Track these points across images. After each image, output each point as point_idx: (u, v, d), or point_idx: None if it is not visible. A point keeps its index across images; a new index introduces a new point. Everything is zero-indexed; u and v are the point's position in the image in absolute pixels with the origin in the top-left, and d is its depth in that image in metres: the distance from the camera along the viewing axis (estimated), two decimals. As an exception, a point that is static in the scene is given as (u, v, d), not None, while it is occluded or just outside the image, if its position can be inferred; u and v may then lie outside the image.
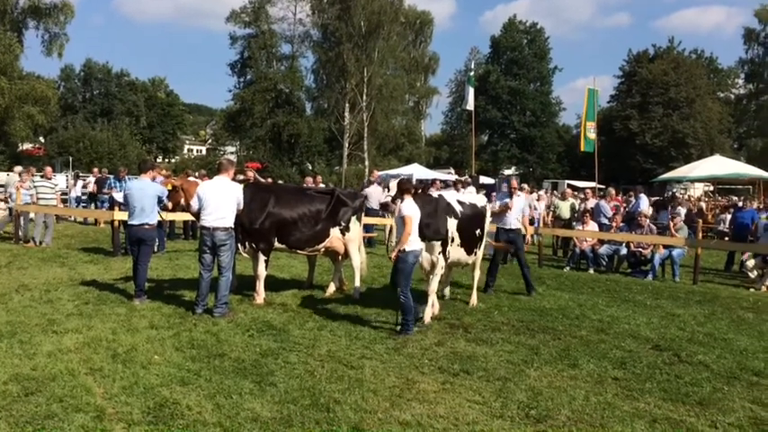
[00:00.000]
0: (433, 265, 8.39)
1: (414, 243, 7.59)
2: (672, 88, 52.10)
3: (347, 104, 47.51)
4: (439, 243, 8.29)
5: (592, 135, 23.50)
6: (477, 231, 9.25)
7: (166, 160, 73.30)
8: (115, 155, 46.23)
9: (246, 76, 53.12)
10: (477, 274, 9.84)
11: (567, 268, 14.35)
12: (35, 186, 15.46)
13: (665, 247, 13.53)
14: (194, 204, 8.47)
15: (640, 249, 13.87)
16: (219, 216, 8.14)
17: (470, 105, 30.63)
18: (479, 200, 9.94)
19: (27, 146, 54.01)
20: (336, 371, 6.11)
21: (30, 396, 5.18)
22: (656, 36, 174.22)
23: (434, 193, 9.02)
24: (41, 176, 16.21)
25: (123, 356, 6.29)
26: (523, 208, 11.23)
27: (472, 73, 32.78)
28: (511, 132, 60.86)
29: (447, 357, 6.73)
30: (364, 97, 46.41)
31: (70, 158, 41.94)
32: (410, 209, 7.58)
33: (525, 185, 19.92)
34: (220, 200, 8.17)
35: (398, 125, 54.08)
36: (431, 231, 8.16)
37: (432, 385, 5.83)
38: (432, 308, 8.51)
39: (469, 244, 9.07)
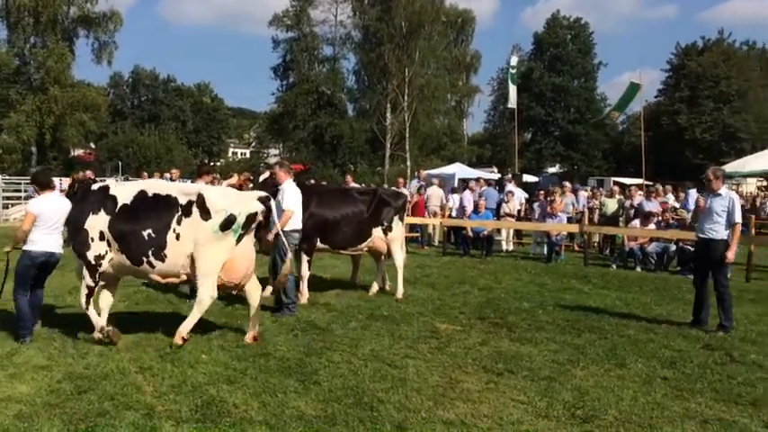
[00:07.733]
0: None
1: (37, 242, 6.87)
2: (722, 81, 50.45)
3: (389, 105, 47.47)
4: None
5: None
6: (148, 232, 6.70)
7: (211, 163, 74.65)
8: (162, 159, 47.44)
9: (289, 78, 53.63)
10: (254, 302, 7.08)
11: (614, 266, 14.08)
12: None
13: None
14: None
15: (689, 246, 13.50)
16: None
17: (513, 103, 30.35)
18: (186, 191, 7.03)
19: (79, 151, 55.78)
20: (380, 370, 6.13)
21: (82, 394, 5.35)
22: (705, 28, 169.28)
23: (97, 185, 7.28)
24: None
25: (171, 355, 6.43)
26: (724, 210, 8.04)
27: (514, 70, 32.42)
28: (555, 130, 59.81)
29: (491, 357, 6.68)
30: (406, 97, 46.28)
31: (120, 163, 43.20)
32: (37, 205, 6.93)
33: (567, 183, 19.56)
34: None
35: (440, 125, 53.79)
36: (71, 232, 7.07)
37: (476, 384, 5.80)
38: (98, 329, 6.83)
39: (133, 250, 6.77)
